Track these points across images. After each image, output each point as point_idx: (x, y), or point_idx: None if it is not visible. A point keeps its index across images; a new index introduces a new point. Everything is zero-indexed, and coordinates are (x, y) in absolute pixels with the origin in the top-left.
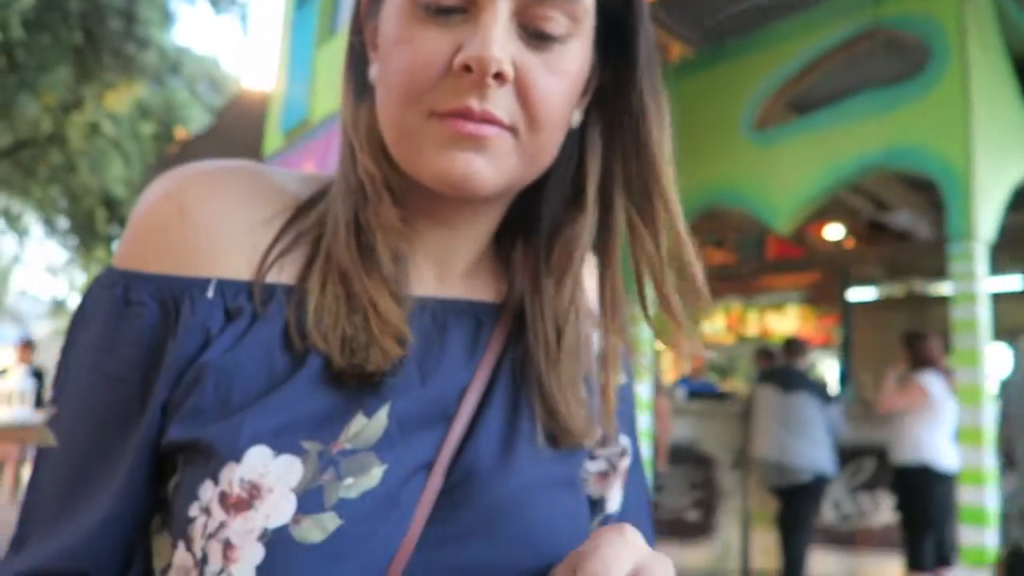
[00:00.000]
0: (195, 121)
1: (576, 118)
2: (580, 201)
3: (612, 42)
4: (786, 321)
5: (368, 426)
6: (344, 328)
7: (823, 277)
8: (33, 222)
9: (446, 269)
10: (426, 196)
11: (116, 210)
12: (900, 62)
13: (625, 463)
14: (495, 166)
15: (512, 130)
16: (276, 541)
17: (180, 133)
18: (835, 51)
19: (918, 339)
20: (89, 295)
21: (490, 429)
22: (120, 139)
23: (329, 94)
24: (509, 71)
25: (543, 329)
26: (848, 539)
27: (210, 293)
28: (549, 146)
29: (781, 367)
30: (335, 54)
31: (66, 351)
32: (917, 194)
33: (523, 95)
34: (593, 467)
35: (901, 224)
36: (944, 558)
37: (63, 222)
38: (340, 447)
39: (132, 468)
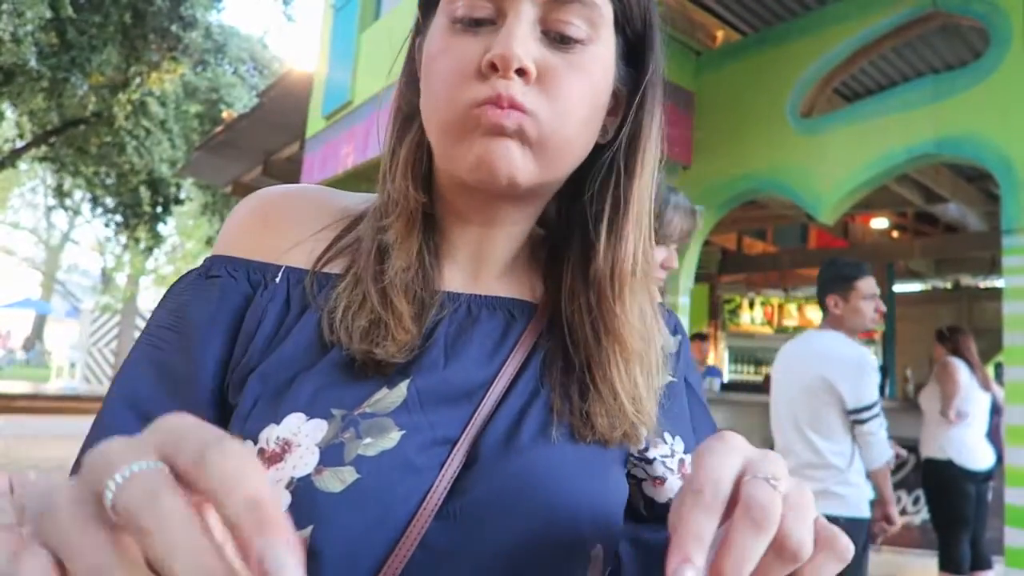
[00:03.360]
0: (240, 101)
1: (605, 132)
2: (612, 219)
3: (632, 64)
4: None
5: (388, 395)
6: (362, 323)
7: None
8: (82, 200)
9: (483, 268)
10: (464, 200)
11: (160, 189)
12: (956, 47)
13: (686, 468)
14: (523, 153)
15: (534, 117)
16: (300, 488)
17: (226, 114)
18: (887, 36)
19: (951, 333)
20: (182, 276)
21: (510, 413)
22: (166, 119)
23: (371, 78)
24: (531, 67)
25: (583, 331)
26: (885, 537)
27: (278, 279)
28: (573, 142)
29: None
30: (378, 38)
31: (152, 318)
32: (968, 185)
33: (546, 89)
34: (652, 471)
35: (951, 216)
36: (981, 561)
37: (110, 200)
38: (361, 411)
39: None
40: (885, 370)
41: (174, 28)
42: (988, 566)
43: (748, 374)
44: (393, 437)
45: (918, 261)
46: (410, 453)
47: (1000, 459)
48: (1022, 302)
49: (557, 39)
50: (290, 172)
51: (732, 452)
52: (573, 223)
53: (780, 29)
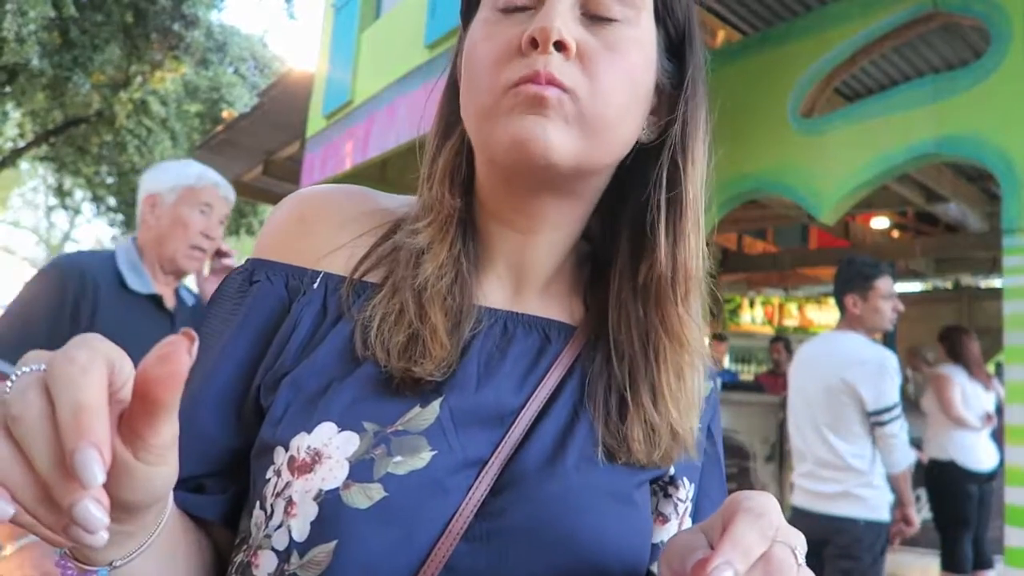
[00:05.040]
0: (240, 101)
1: (646, 132)
2: (670, 219)
3: (674, 59)
4: (827, 313)
5: (421, 413)
6: (400, 339)
7: None
8: (82, 199)
9: (525, 281)
10: (504, 198)
11: None
12: (957, 47)
13: (686, 519)
14: (560, 131)
15: (573, 95)
16: (328, 501)
17: (226, 114)
18: (888, 36)
19: (951, 334)
20: (227, 278)
21: (545, 438)
22: (167, 118)
23: (371, 77)
24: (570, 41)
25: (630, 346)
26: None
27: (316, 284)
28: (613, 124)
29: None
30: (378, 37)
31: (203, 324)
32: (969, 185)
33: (584, 66)
34: (663, 506)
35: (951, 216)
36: (983, 561)
37: (111, 200)
38: (395, 429)
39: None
40: None
41: (176, 27)
42: (990, 566)
43: (748, 374)
44: (424, 457)
45: (919, 261)
46: (440, 474)
47: (1003, 459)
48: (1022, 301)
49: (595, 19)
50: (290, 172)
51: (777, 509)
52: (619, 231)
53: (781, 29)
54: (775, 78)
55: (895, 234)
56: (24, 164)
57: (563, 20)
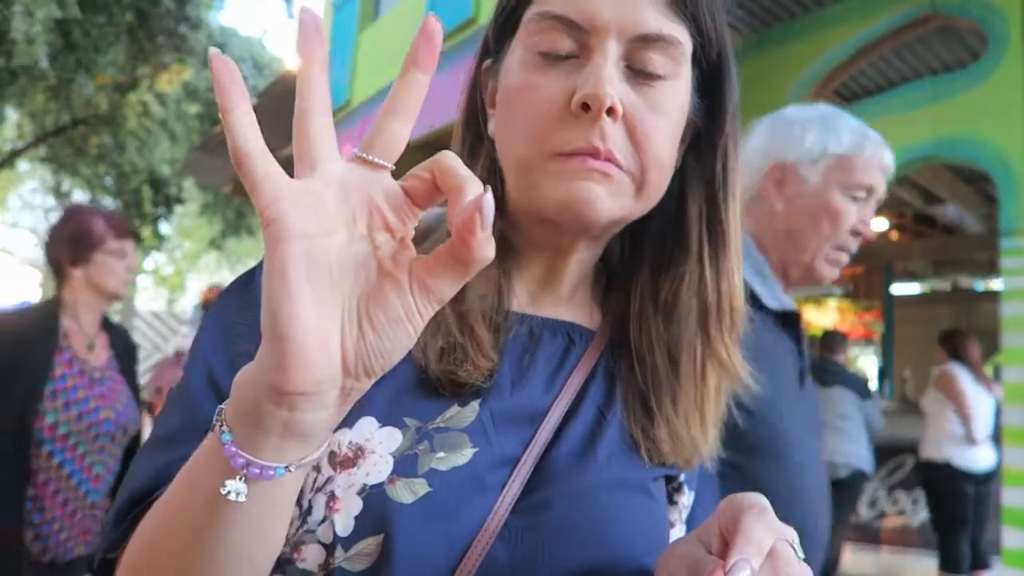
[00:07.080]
0: None
1: (677, 160)
2: (684, 243)
3: (707, 95)
4: (825, 314)
5: (461, 412)
6: (442, 343)
7: (865, 270)
8: (81, 200)
9: (549, 291)
10: (538, 231)
11: (161, 189)
12: (954, 49)
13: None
14: (613, 197)
15: (627, 168)
16: (372, 495)
17: None
18: (886, 38)
19: (952, 336)
20: (256, 283)
21: (574, 436)
22: (167, 119)
23: (369, 78)
24: (619, 107)
25: (652, 358)
26: (884, 538)
27: None
28: (658, 184)
29: (817, 361)
30: (376, 39)
31: (231, 329)
32: (967, 186)
33: (631, 133)
34: (669, 512)
35: (949, 217)
36: (980, 562)
37: (109, 201)
38: (436, 425)
39: None
40: (884, 371)
41: (181, 29)
42: (987, 566)
43: None
44: (466, 454)
45: (916, 262)
46: (480, 470)
47: (1000, 461)
48: (1019, 303)
49: (640, 74)
50: (289, 172)
51: (770, 506)
52: (638, 248)
53: (780, 31)
54: (774, 79)
55: (893, 236)
56: (23, 165)
57: (612, 83)
